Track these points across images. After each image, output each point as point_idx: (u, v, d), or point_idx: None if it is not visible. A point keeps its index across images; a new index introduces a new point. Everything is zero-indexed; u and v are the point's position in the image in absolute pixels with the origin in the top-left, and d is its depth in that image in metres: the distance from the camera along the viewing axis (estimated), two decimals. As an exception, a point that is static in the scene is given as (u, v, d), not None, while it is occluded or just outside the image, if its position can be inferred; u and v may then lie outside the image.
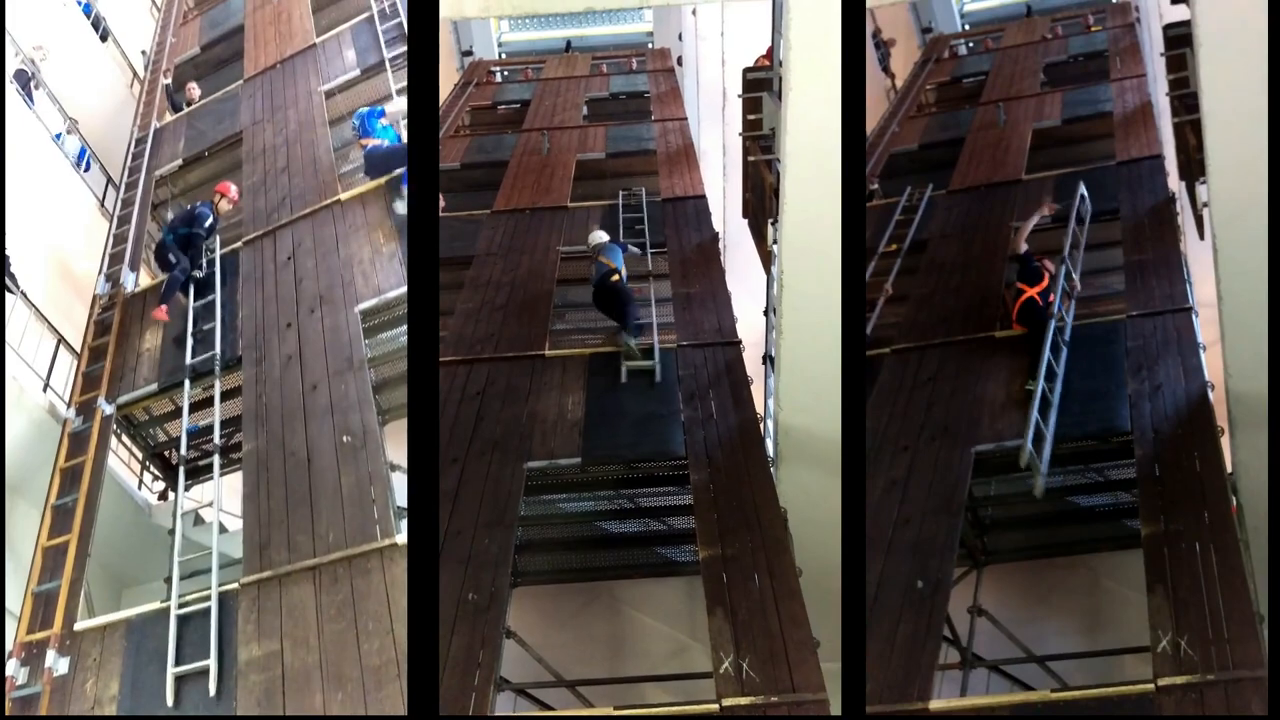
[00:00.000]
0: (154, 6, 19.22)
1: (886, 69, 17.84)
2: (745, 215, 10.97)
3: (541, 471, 7.81)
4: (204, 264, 9.99)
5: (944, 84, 15.75)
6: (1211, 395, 7.69)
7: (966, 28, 18.24)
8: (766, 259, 10.32)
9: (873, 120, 15.17)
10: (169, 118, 13.51)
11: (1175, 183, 10.56)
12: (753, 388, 8.33)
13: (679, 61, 16.37)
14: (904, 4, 17.29)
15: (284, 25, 13.75)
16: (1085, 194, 9.98)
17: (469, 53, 17.28)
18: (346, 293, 8.67)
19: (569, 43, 17.49)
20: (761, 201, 10.28)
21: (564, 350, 8.98)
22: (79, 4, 17.25)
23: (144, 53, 16.75)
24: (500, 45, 17.84)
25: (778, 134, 7.82)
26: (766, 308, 9.90)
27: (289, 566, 6.78)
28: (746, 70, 10.84)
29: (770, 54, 9.45)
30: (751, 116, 10.38)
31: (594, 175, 12.50)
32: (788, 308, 8.03)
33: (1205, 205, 8.29)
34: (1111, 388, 8.04)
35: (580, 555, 8.75)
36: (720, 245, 10.61)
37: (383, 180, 9.69)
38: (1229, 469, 7.20)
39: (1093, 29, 15.93)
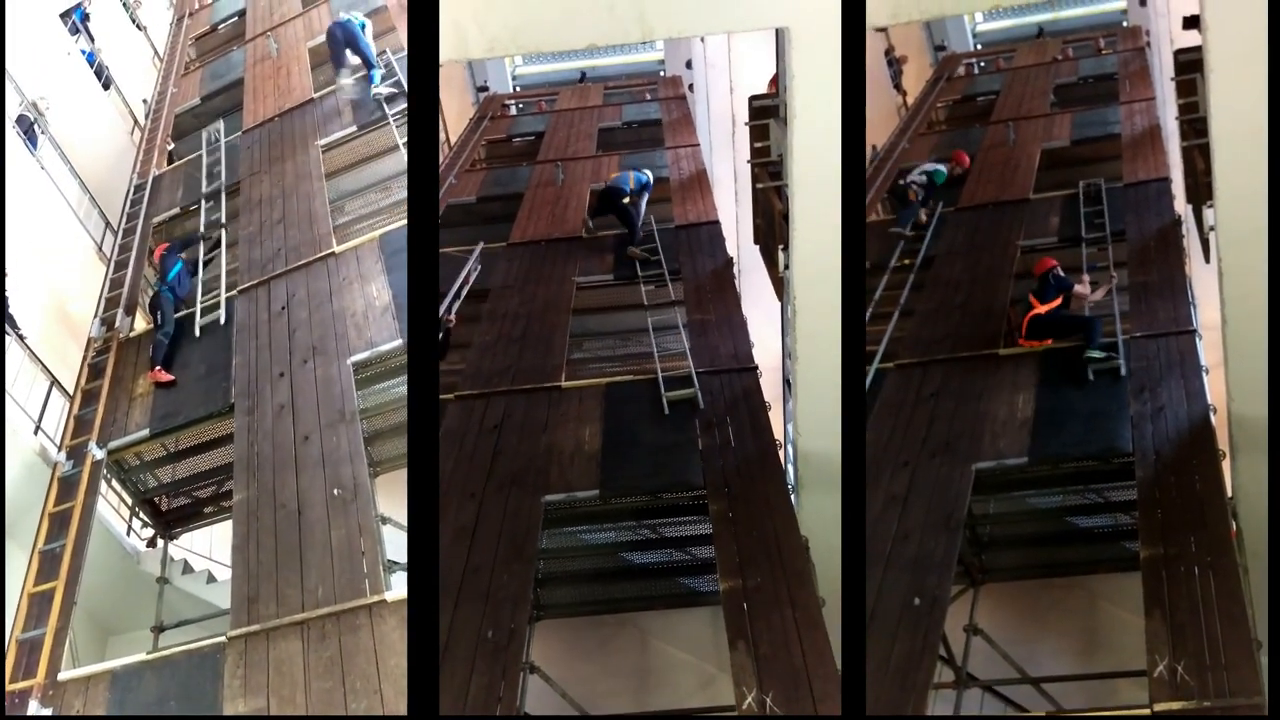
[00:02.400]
0: (156, 57, 19.46)
1: (898, 86, 17.87)
2: (756, 241, 10.98)
3: (560, 504, 7.76)
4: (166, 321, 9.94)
5: (955, 102, 15.79)
6: (1214, 418, 7.66)
7: (979, 47, 18.26)
8: (778, 285, 10.32)
9: (883, 136, 15.19)
10: (168, 166, 13.64)
11: (1182, 205, 10.55)
12: (773, 413, 8.25)
13: (690, 88, 16.43)
14: (917, 22, 17.30)
15: (283, 80, 13.91)
16: None
17: (484, 88, 17.40)
18: (339, 344, 8.67)
19: (583, 74, 17.58)
20: (772, 227, 10.28)
21: (581, 381, 8.95)
22: (83, 53, 17.52)
23: (145, 101, 16.91)
24: (515, 78, 17.95)
25: (785, 161, 7.82)
26: (782, 332, 9.87)
27: (277, 621, 6.71)
28: (753, 98, 10.83)
29: (775, 81, 9.45)
30: (759, 144, 10.37)
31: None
32: (802, 333, 8.01)
33: (1212, 229, 8.28)
34: (1114, 408, 8.03)
35: (603, 587, 8.70)
36: (735, 270, 10.61)
37: (376, 236, 9.76)
38: (1229, 493, 7.17)
39: (1103, 52, 15.97)
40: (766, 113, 10.09)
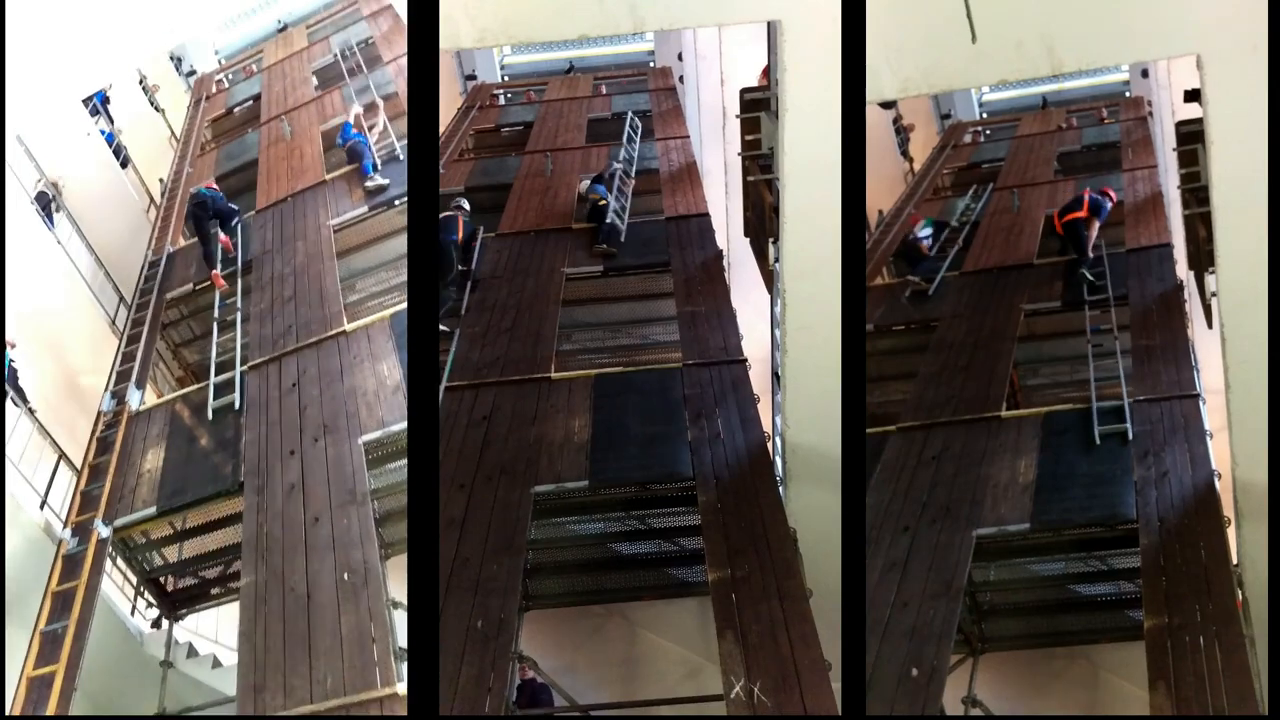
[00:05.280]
0: (173, 138, 19.83)
1: (905, 153, 18.07)
2: (746, 234, 10.83)
3: (549, 495, 7.67)
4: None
5: (960, 169, 15.94)
6: (1219, 484, 7.55)
7: (984, 116, 18.50)
8: (768, 278, 10.20)
9: (890, 202, 15.30)
10: (183, 242, 13.82)
11: (1184, 271, 10.55)
12: (762, 405, 8.17)
13: (680, 80, 16.33)
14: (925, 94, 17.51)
15: (295, 161, 14.06)
16: None
17: (472, 77, 17.32)
18: (350, 423, 8.51)
19: (571, 65, 17.52)
20: (762, 220, 10.18)
21: (570, 372, 8.85)
22: (102, 134, 17.92)
23: (161, 180, 17.21)
24: (503, 68, 17.84)
25: (776, 153, 7.81)
26: (771, 325, 9.73)
27: (284, 714, 6.45)
28: (744, 90, 10.69)
29: (767, 73, 9.46)
30: (750, 136, 10.15)
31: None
32: (791, 326, 7.95)
33: (1214, 294, 8.26)
34: (1117, 473, 7.91)
35: (592, 578, 8.56)
36: (725, 263, 10.49)
37: (387, 315, 9.78)
38: (1235, 561, 7.03)
39: (1106, 121, 16.16)
40: (758, 105, 9.89)
